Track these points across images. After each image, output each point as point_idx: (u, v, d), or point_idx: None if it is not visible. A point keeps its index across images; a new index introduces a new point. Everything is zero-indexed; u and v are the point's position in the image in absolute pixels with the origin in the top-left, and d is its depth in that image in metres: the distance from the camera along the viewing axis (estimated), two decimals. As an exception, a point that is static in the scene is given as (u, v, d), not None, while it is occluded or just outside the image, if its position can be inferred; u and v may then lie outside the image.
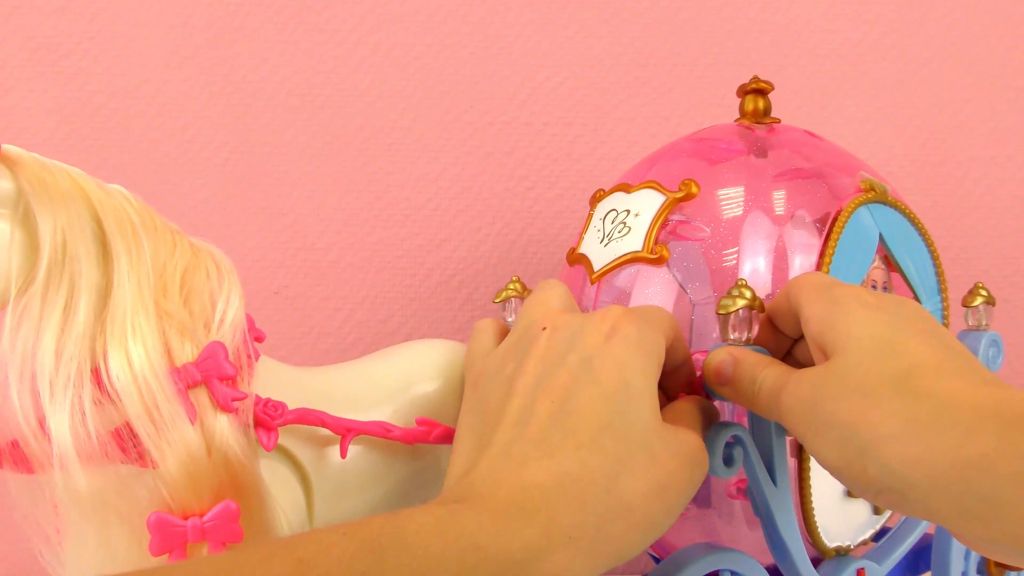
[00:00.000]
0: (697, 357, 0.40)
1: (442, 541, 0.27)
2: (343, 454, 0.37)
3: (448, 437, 0.39)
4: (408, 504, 0.39)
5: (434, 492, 0.41)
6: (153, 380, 0.32)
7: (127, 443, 0.31)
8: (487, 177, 0.72)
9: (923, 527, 0.49)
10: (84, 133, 0.68)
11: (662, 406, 0.35)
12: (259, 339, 0.38)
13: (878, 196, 0.46)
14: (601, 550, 0.30)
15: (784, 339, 0.40)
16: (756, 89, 0.51)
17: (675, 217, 0.45)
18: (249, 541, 0.33)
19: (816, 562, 0.42)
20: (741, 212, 0.44)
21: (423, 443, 0.39)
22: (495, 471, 0.32)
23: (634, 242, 0.45)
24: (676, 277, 0.44)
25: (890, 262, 0.46)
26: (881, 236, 0.45)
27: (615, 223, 0.47)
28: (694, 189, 0.45)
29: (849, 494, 0.46)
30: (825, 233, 0.44)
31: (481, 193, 0.72)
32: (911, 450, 0.30)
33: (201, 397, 0.33)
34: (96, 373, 0.31)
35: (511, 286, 0.54)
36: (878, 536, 0.49)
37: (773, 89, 0.51)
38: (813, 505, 0.43)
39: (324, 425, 0.36)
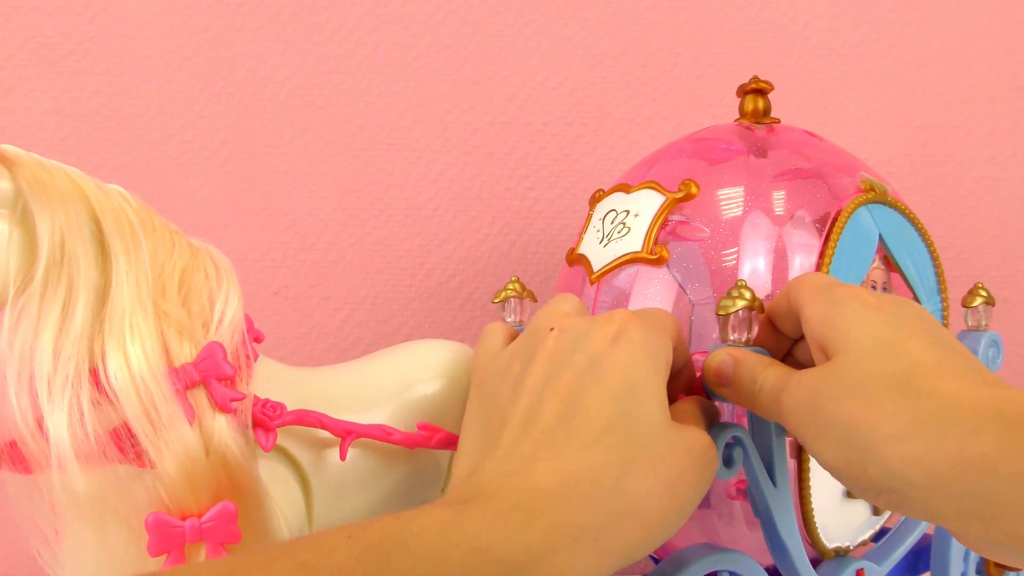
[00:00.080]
0: (697, 358, 0.40)
1: (445, 544, 0.27)
2: (342, 456, 0.36)
3: (450, 442, 0.39)
4: (408, 504, 0.39)
5: (434, 492, 0.41)
6: (151, 380, 0.32)
7: (125, 443, 0.31)
8: (487, 177, 0.72)
9: (922, 528, 0.49)
10: (84, 133, 0.68)
11: None
12: (258, 339, 0.37)
13: (878, 196, 0.46)
14: (608, 550, 0.30)
15: (784, 340, 0.40)
16: (756, 89, 0.51)
17: (675, 217, 0.45)
18: (247, 542, 0.33)
19: (815, 563, 0.43)
20: (741, 212, 0.44)
21: (425, 448, 0.39)
22: (500, 472, 0.32)
23: (634, 242, 0.45)
24: (676, 277, 0.44)
25: (890, 262, 0.46)
26: (881, 236, 0.45)
27: (615, 223, 0.47)
28: (694, 189, 0.45)
29: (849, 495, 0.46)
30: (825, 233, 0.44)
31: (481, 193, 0.72)
32: (912, 450, 0.30)
33: (199, 397, 0.33)
34: (94, 373, 0.31)
35: (510, 286, 0.54)
36: (877, 537, 0.49)
37: (773, 89, 0.51)
38: (812, 506, 0.43)
39: (323, 427, 0.36)
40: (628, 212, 0.47)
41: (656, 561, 0.48)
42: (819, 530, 0.44)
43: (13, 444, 0.31)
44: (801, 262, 0.43)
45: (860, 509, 0.47)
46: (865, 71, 0.73)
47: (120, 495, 0.32)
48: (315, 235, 0.71)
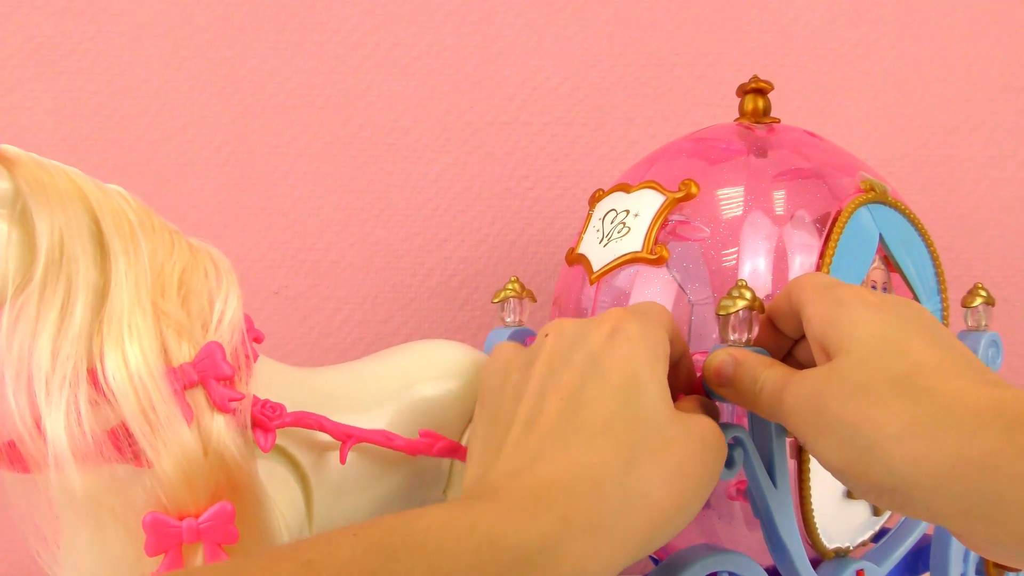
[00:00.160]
0: (697, 358, 0.40)
1: (455, 536, 0.27)
2: (342, 460, 0.36)
3: (452, 451, 0.39)
4: (408, 504, 0.39)
5: (435, 493, 0.41)
6: (149, 380, 0.31)
7: (122, 443, 0.31)
8: (487, 177, 0.72)
9: (922, 528, 0.48)
10: (84, 133, 0.68)
11: None
12: (258, 340, 0.37)
13: (878, 196, 0.46)
14: (623, 538, 0.30)
15: (784, 340, 0.40)
16: (756, 89, 0.51)
17: (675, 217, 0.45)
18: (245, 542, 0.33)
19: (815, 563, 0.42)
20: (741, 212, 0.44)
21: (426, 455, 0.39)
22: (507, 470, 0.32)
23: (633, 242, 0.45)
24: (675, 277, 0.44)
25: (890, 262, 0.46)
26: (881, 236, 0.45)
27: (614, 223, 0.47)
28: (694, 189, 0.45)
29: (849, 495, 0.45)
30: (825, 233, 0.44)
31: (481, 193, 0.72)
32: (914, 450, 0.30)
33: (198, 398, 0.33)
34: (92, 373, 0.31)
35: (510, 286, 0.54)
36: (877, 537, 0.49)
37: (773, 89, 0.51)
38: (813, 506, 0.43)
39: (324, 430, 0.36)
40: (628, 212, 0.47)
41: (656, 562, 0.48)
42: (819, 531, 0.44)
43: (12, 444, 0.31)
44: (801, 262, 0.43)
45: (860, 510, 0.47)
46: (865, 71, 0.73)
47: (117, 495, 0.32)
48: (315, 235, 0.71)
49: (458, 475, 0.41)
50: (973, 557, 0.50)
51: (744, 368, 0.37)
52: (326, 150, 0.70)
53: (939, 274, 0.49)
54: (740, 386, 0.37)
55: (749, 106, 0.51)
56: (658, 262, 0.44)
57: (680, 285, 0.44)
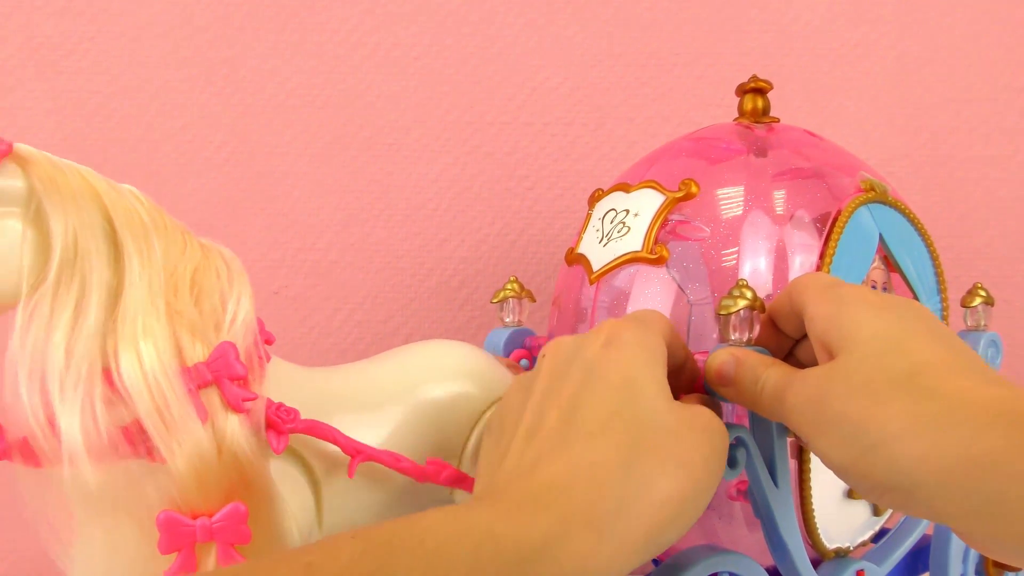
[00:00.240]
0: (698, 358, 0.40)
1: (455, 535, 0.27)
2: (351, 474, 0.36)
3: (457, 480, 0.39)
4: (416, 504, 0.39)
5: (442, 493, 0.41)
6: (164, 379, 0.31)
7: (136, 439, 0.31)
8: (487, 177, 0.72)
9: (922, 528, 0.48)
10: (84, 133, 0.68)
11: None
12: (269, 341, 0.37)
13: (878, 196, 0.46)
14: (627, 536, 0.30)
15: (785, 340, 0.40)
16: (755, 88, 0.51)
17: (675, 217, 0.45)
18: (257, 543, 0.33)
19: (816, 564, 0.42)
20: (741, 212, 0.44)
21: (432, 483, 0.39)
22: (509, 476, 0.32)
23: (633, 242, 0.45)
24: (675, 277, 0.44)
25: (890, 262, 0.46)
26: (881, 236, 0.45)
27: (614, 223, 0.47)
28: (694, 189, 0.45)
29: (850, 495, 0.45)
30: (826, 233, 0.44)
31: (481, 193, 0.72)
32: (918, 448, 0.30)
33: (212, 397, 0.33)
34: (107, 372, 0.31)
35: (509, 286, 0.54)
36: (877, 537, 0.49)
37: (772, 88, 0.51)
38: (813, 506, 0.43)
39: (335, 442, 0.36)
40: (628, 211, 0.47)
41: (657, 563, 0.48)
42: (819, 531, 0.44)
43: (25, 440, 0.31)
44: (801, 262, 0.43)
45: (860, 510, 0.47)
46: (865, 71, 0.73)
47: (130, 491, 0.32)
48: (315, 235, 0.71)
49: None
50: (972, 557, 0.50)
51: (745, 368, 0.37)
52: (326, 150, 0.70)
53: (939, 274, 0.49)
54: (742, 386, 0.37)
55: (748, 106, 0.51)
56: (658, 262, 0.44)
57: (679, 285, 0.44)
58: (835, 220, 0.44)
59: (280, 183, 0.70)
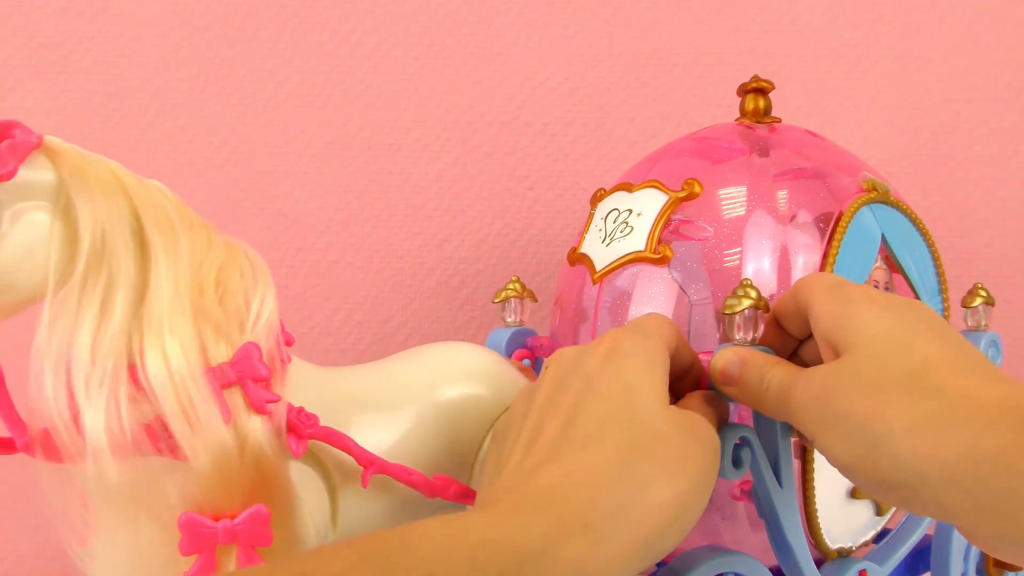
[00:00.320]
0: (703, 358, 0.40)
1: (451, 541, 0.27)
2: (364, 484, 0.36)
3: (465, 495, 0.39)
4: (429, 512, 0.39)
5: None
6: (189, 379, 0.31)
7: (159, 435, 0.31)
8: (487, 177, 0.72)
9: (924, 528, 0.49)
10: (84, 133, 0.68)
11: None
12: (289, 342, 0.37)
13: (880, 196, 0.46)
14: (625, 539, 0.30)
15: (789, 339, 0.40)
16: (757, 88, 0.51)
17: (678, 217, 0.45)
18: (276, 545, 0.33)
19: (818, 563, 0.42)
20: (744, 212, 0.44)
21: (442, 498, 0.39)
22: (507, 485, 0.32)
23: (636, 242, 0.45)
24: (675, 277, 0.44)
25: (892, 262, 0.46)
26: (883, 236, 0.45)
27: (617, 222, 0.47)
28: (697, 188, 0.45)
29: (853, 495, 0.46)
30: (828, 233, 0.44)
31: (481, 193, 0.72)
32: (924, 444, 0.30)
33: (235, 398, 0.33)
34: (132, 370, 0.31)
35: (511, 286, 0.54)
36: (879, 537, 0.49)
37: (774, 88, 0.51)
38: (816, 506, 0.43)
39: (349, 452, 0.36)
40: (631, 211, 0.47)
41: (660, 565, 0.48)
42: (822, 531, 0.44)
43: (46, 432, 0.31)
44: (804, 262, 0.43)
45: (863, 510, 0.47)
46: (865, 71, 0.73)
47: (152, 489, 0.32)
48: (315, 235, 0.71)
49: (476, 483, 0.41)
50: (973, 556, 0.50)
51: (750, 367, 0.37)
52: (326, 150, 0.70)
53: (940, 274, 0.49)
54: (746, 385, 0.37)
55: (750, 106, 0.51)
56: (661, 261, 0.44)
57: (680, 285, 0.44)
58: (838, 220, 0.44)
59: (280, 183, 0.70)
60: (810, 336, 0.38)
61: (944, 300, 0.49)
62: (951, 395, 0.30)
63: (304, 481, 0.35)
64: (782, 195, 0.44)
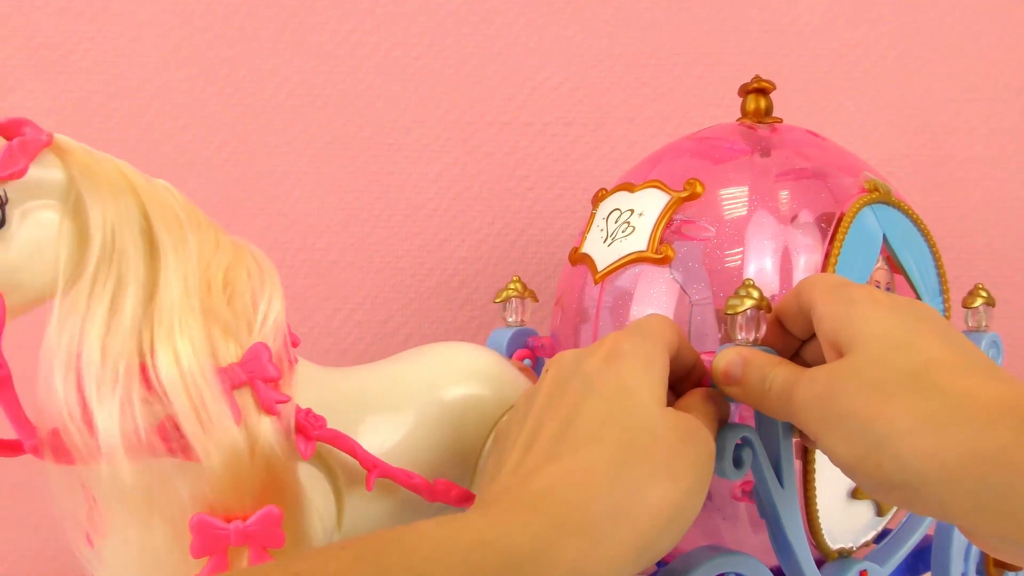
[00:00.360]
0: (705, 358, 0.40)
1: (446, 543, 0.27)
2: (369, 487, 0.36)
3: (466, 499, 0.39)
4: (432, 514, 0.39)
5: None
6: (201, 379, 0.31)
7: (170, 435, 0.31)
8: (487, 177, 0.72)
9: (924, 528, 0.49)
10: (84, 133, 0.67)
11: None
12: (295, 343, 0.37)
13: (882, 196, 0.46)
14: (621, 540, 0.30)
15: (791, 340, 0.40)
16: (758, 88, 0.51)
17: (679, 217, 0.45)
18: (286, 545, 0.33)
19: (819, 564, 0.42)
20: (745, 212, 0.44)
21: (443, 502, 0.39)
22: (503, 487, 0.32)
23: (638, 241, 0.45)
24: (676, 278, 0.44)
25: (893, 263, 0.46)
26: (885, 237, 0.45)
27: (619, 222, 0.47)
28: (699, 188, 0.45)
29: (854, 495, 0.46)
30: (830, 233, 0.44)
31: (481, 193, 0.72)
32: (926, 444, 0.30)
33: (245, 398, 0.33)
34: (143, 369, 0.31)
35: (512, 286, 0.54)
36: (879, 538, 0.49)
37: (775, 88, 0.51)
38: (817, 507, 0.43)
39: (354, 455, 0.36)
40: (633, 211, 0.47)
41: (661, 565, 0.48)
42: (823, 531, 0.44)
43: (56, 433, 0.31)
44: (806, 262, 0.43)
45: (863, 510, 0.47)
46: (865, 71, 0.73)
47: (163, 489, 0.31)
48: (315, 235, 0.71)
49: (478, 483, 0.41)
50: (974, 556, 0.50)
51: (753, 367, 0.37)
52: (326, 150, 0.70)
53: (941, 274, 0.49)
54: (749, 385, 0.37)
55: (751, 106, 0.51)
56: (663, 261, 0.44)
57: (682, 286, 0.44)
58: (840, 221, 0.44)
59: (280, 183, 0.70)
60: (812, 336, 0.38)
61: (945, 300, 0.49)
62: (953, 395, 0.30)
63: (311, 482, 0.35)
64: (784, 195, 0.44)
